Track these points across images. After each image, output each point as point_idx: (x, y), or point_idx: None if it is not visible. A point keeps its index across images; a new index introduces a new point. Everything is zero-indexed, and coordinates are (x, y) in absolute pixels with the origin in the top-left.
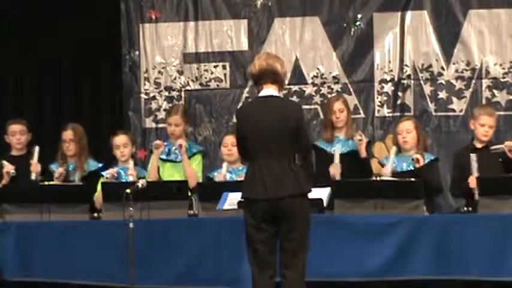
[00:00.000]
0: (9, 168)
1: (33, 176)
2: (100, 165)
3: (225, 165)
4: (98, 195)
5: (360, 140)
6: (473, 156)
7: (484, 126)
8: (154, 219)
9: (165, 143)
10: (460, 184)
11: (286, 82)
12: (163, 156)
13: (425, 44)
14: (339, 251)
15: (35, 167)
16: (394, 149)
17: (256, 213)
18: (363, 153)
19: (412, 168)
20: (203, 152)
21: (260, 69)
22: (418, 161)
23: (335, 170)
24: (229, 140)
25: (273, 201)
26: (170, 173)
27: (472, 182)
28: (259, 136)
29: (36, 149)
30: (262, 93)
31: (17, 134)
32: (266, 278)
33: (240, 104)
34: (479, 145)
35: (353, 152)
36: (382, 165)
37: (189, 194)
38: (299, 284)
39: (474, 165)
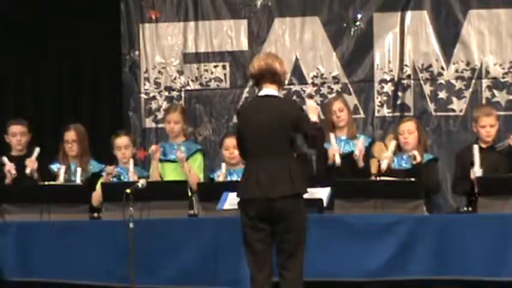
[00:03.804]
0: (10, 167)
1: (27, 171)
2: (103, 166)
3: (223, 165)
4: (95, 194)
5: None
6: (475, 148)
7: (485, 127)
8: (154, 219)
9: (164, 143)
10: (462, 183)
11: (286, 82)
12: (162, 157)
13: (425, 44)
14: (339, 251)
15: (32, 163)
16: (393, 143)
17: (251, 213)
18: (360, 163)
19: (410, 167)
20: (202, 151)
21: (259, 69)
22: (415, 157)
23: (334, 151)
24: (231, 143)
25: (266, 201)
26: (169, 173)
27: (473, 173)
28: (257, 135)
29: (37, 149)
30: (261, 93)
31: (18, 135)
32: (264, 277)
33: (240, 104)
34: (484, 145)
35: (353, 153)
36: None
37: (189, 194)
38: (297, 285)
39: (476, 158)
